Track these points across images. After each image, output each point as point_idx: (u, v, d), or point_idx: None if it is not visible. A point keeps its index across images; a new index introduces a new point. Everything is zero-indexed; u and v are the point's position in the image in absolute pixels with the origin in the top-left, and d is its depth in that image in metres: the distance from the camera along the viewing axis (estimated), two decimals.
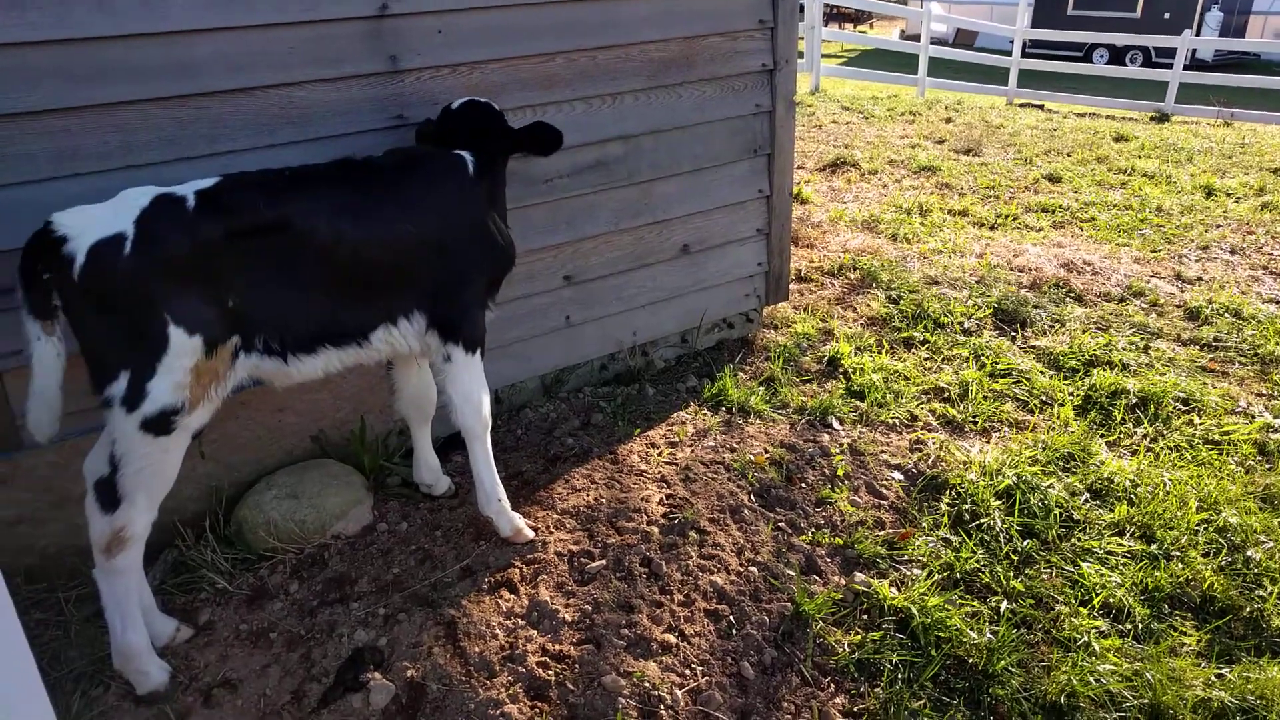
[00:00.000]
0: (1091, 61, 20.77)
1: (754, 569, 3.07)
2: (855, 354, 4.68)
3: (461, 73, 3.34)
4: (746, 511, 3.38)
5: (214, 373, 2.39)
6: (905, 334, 4.98)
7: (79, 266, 2.18)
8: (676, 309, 4.37)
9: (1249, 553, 3.29)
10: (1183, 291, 5.70)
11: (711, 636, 2.79)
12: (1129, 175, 8.63)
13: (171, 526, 3.02)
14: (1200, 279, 5.93)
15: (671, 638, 2.76)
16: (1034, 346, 4.92)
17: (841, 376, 4.49)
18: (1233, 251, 6.50)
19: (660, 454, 3.69)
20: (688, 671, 2.67)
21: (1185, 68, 14.04)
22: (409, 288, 2.72)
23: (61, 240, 2.20)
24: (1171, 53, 14.35)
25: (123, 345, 2.27)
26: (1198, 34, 19.79)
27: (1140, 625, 2.97)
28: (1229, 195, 7.96)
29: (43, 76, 2.57)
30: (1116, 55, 21.39)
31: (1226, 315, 5.30)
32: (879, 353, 4.75)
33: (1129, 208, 7.51)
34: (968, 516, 3.45)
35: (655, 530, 3.19)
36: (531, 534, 3.11)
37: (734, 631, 2.82)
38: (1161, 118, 13.68)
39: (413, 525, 3.25)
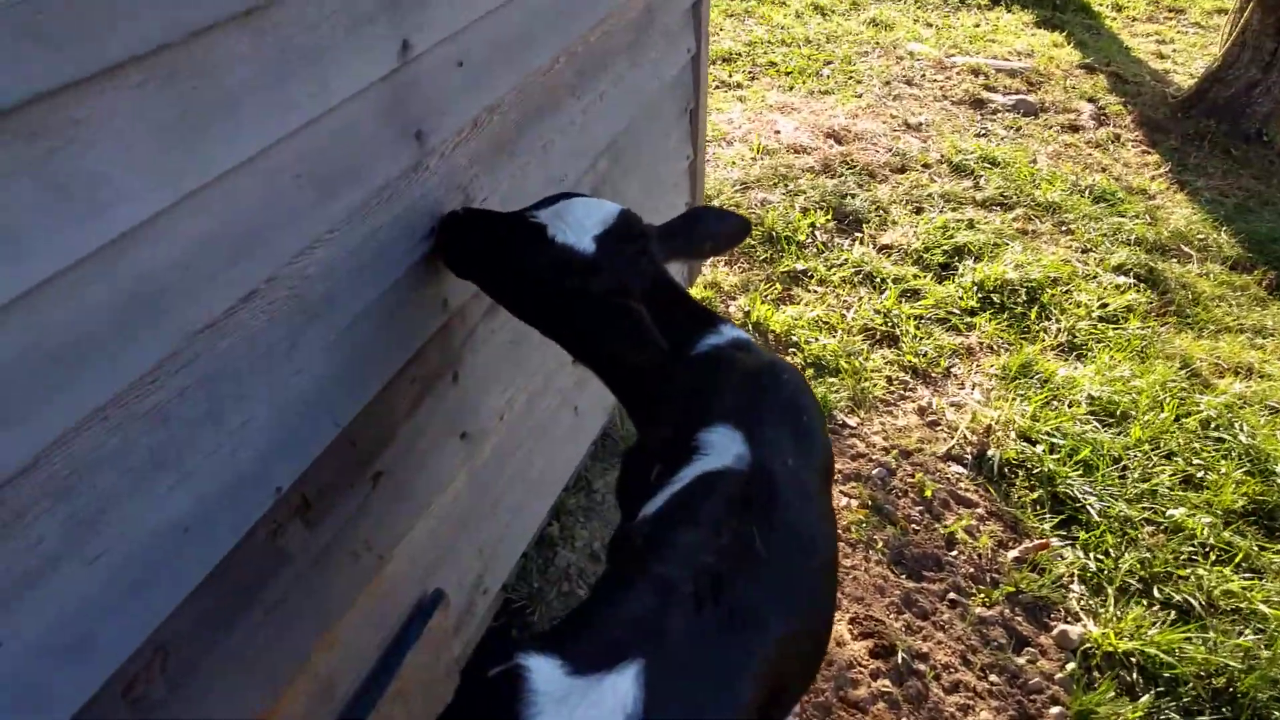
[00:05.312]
0: None
1: None
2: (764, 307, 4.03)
3: None
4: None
5: None
6: (784, 266, 4.40)
7: None
8: None
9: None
10: (925, 143, 5.80)
11: None
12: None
13: None
14: (922, 124, 6.08)
15: None
16: (888, 246, 4.68)
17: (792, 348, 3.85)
18: (908, 83, 6.75)
19: None
20: None
21: None
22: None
23: None
24: None
25: None
26: None
27: None
28: (837, 13, 8.20)
29: None
30: None
31: (984, 164, 5.52)
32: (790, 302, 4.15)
33: (784, 42, 7.36)
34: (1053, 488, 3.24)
35: None
36: None
37: None
38: None
39: None
